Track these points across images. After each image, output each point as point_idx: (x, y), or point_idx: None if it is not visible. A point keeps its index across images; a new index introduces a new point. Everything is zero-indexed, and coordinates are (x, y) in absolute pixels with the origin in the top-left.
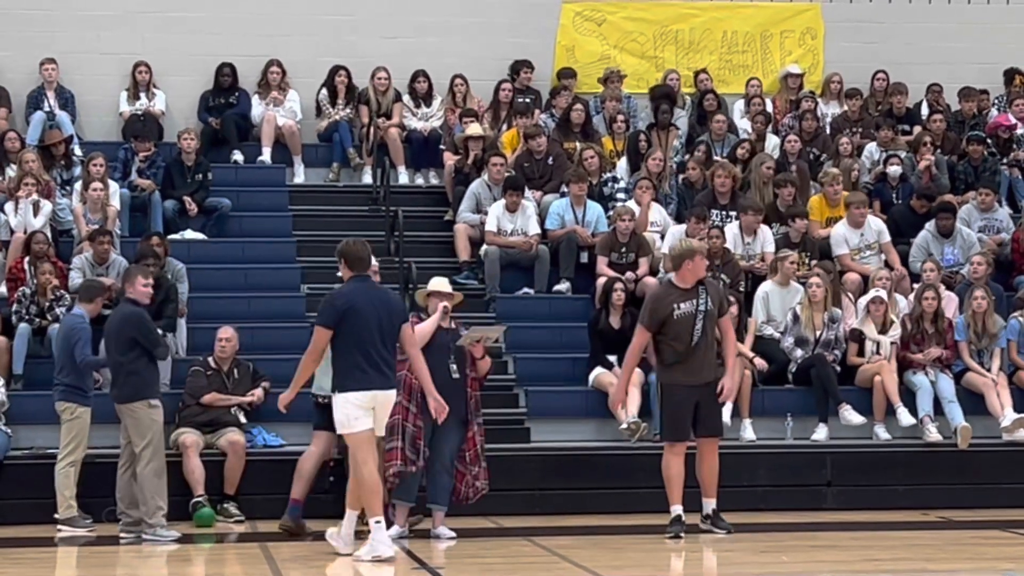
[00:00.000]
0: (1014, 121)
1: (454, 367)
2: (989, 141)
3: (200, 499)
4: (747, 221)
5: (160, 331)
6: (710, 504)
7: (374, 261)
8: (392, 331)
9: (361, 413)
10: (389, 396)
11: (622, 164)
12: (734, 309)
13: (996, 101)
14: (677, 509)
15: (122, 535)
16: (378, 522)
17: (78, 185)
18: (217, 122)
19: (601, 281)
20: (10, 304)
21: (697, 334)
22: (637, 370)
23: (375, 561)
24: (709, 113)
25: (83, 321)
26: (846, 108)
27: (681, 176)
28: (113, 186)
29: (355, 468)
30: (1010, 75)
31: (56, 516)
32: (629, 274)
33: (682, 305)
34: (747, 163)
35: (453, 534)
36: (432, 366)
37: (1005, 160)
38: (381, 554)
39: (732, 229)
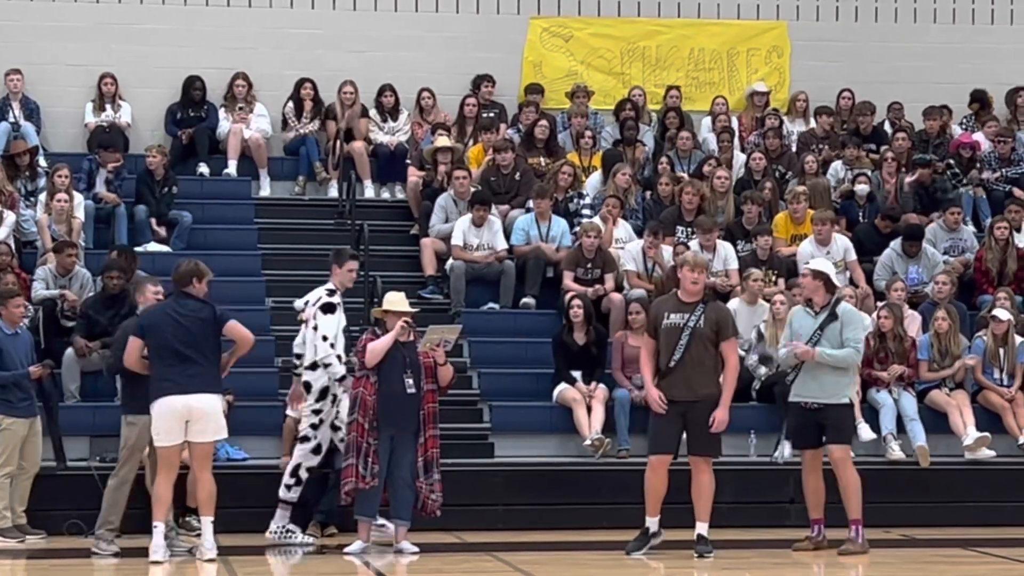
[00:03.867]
0: (975, 139)
1: (410, 381)
2: (952, 161)
3: None
4: (701, 239)
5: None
6: (701, 527)
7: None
8: (204, 339)
9: (166, 427)
10: (202, 400)
11: (591, 180)
12: None
13: (964, 121)
14: (648, 522)
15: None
16: (156, 526)
17: (43, 196)
18: (188, 134)
19: (568, 296)
20: None
21: (680, 349)
22: (601, 386)
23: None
24: (672, 130)
25: (3, 330)
26: (814, 125)
27: (648, 192)
28: (78, 198)
29: (156, 476)
30: (980, 97)
31: None
32: (597, 288)
33: (672, 316)
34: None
35: (416, 549)
36: (388, 381)
37: (967, 179)
38: (159, 558)
39: (695, 246)
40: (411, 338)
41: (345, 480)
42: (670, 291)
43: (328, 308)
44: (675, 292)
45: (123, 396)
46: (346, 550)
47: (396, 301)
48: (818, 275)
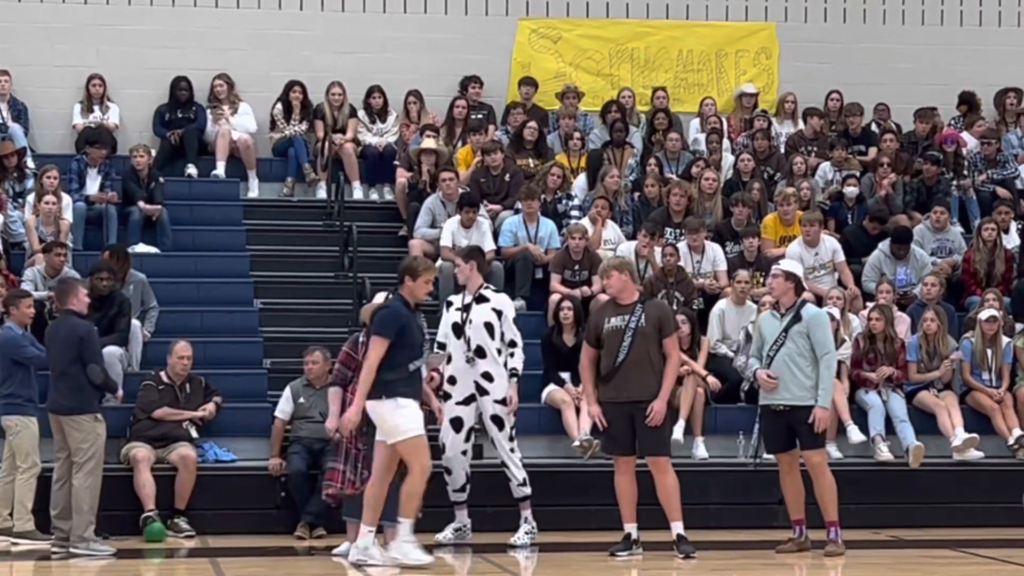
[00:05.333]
0: (961, 136)
1: None
2: (940, 160)
3: (150, 514)
4: (688, 240)
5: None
6: (676, 527)
7: None
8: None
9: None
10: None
11: (579, 182)
12: (685, 328)
13: (952, 122)
14: (627, 528)
15: (54, 550)
16: (370, 531)
17: (31, 198)
18: (176, 136)
19: (554, 299)
20: None
21: (624, 351)
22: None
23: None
24: (660, 131)
25: (14, 329)
26: (803, 127)
27: (637, 193)
28: (66, 199)
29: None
30: (967, 99)
31: (14, 530)
32: (584, 290)
33: (612, 320)
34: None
35: None
36: None
37: (957, 181)
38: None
39: (684, 247)
40: None
41: (328, 482)
42: (659, 293)
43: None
44: (611, 297)
45: (82, 396)
46: (334, 551)
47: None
48: (790, 276)
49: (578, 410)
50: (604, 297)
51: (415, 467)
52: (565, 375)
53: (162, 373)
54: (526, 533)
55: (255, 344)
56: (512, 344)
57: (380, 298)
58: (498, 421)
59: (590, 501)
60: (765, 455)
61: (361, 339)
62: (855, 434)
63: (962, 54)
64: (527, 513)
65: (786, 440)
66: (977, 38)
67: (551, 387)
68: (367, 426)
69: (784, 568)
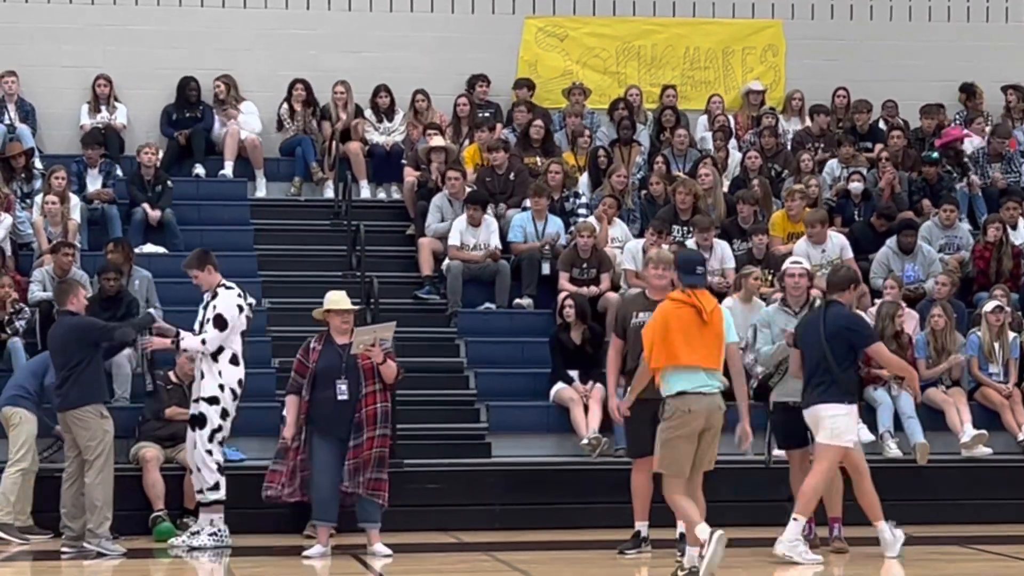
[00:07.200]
0: (965, 132)
1: (343, 387)
2: (943, 160)
3: (160, 514)
4: (698, 238)
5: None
6: (681, 526)
7: None
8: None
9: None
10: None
11: (584, 180)
12: None
13: (957, 117)
14: (638, 526)
15: (64, 549)
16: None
17: (39, 198)
18: (184, 136)
19: (562, 297)
20: None
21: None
22: (598, 386)
23: None
24: (667, 129)
25: None
26: (809, 124)
27: (644, 191)
28: (74, 199)
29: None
30: (968, 90)
31: None
32: (593, 288)
33: (641, 315)
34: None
35: (388, 552)
36: (322, 387)
37: (966, 179)
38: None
39: (692, 245)
40: (349, 339)
41: (268, 484)
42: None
43: None
44: (643, 291)
45: (81, 388)
46: (304, 553)
47: (337, 300)
48: (810, 275)
49: (586, 408)
50: (613, 296)
51: (826, 469)
52: (573, 373)
53: (171, 373)
54: (210, 535)
55: (263, 344)
56: None
57: (334, 296)
58: (200, 420)
59: (598, 499)
60: (776, 451)
61: (312, 344)
62: (865, 434)
63: (968, 50)
64: (214, 517)
65: (801, 436)
66: (984, 34)
67: (559, 385)
68: (312, 428)
69: (793, 567)
